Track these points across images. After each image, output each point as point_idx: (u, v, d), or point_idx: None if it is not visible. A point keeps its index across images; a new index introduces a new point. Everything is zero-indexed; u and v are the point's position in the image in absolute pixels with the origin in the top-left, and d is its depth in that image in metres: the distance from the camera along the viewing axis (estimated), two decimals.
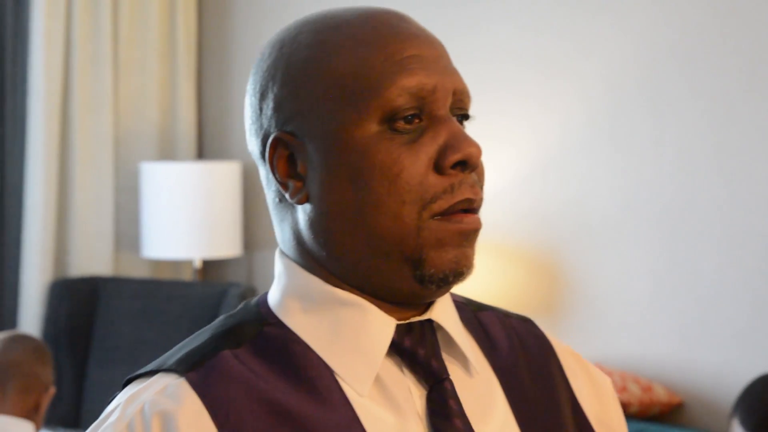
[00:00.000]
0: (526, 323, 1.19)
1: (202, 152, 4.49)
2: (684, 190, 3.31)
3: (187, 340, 1.08)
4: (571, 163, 3.52)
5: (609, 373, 3.24)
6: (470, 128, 1.09)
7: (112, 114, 4.18)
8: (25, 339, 2.75)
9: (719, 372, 3.25)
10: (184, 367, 1.03)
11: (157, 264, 4.35)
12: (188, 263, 4.33)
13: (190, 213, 4.00)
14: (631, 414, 3.19)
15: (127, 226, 4.27)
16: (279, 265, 1.10)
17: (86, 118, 4.14)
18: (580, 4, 3.49)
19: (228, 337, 1.05)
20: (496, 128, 3.60)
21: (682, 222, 3.31)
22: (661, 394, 3.25)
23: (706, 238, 3.27)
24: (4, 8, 4.08)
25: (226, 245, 4.08)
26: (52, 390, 2.70)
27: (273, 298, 1.09)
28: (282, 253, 1.10)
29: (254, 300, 1.11)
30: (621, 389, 3.17)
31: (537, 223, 3.57)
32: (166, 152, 4.37)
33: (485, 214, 1.09)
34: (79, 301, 3.97)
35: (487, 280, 3.51)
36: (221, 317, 1.10)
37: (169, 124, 4.37)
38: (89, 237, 4.14)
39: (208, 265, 4.35)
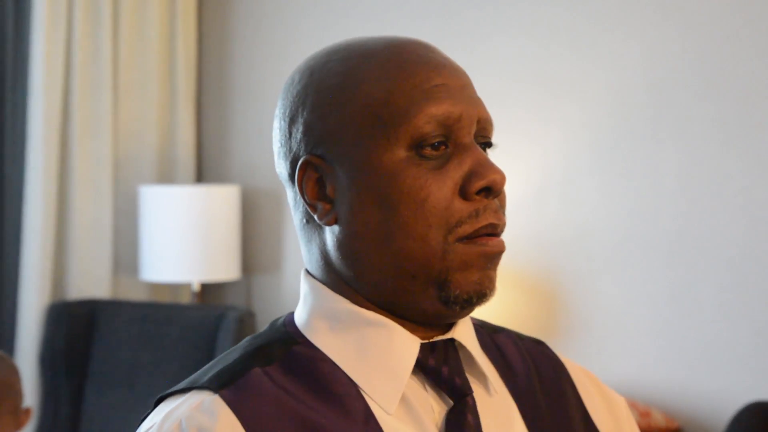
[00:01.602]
0: (540, 345, 1.22)
1: (201, 175, 4.50)
2: (685, 216, 3.32)
3: (216, 359, 1.11)
4: (572, 188, 3.53)
5: None
6: None
7: (112, 137, 4.19)
8: (5, 357, 2.70)
9: (717, 398, 3.27)
10: (217, 384, 1.05)
11: (156, 287, 4.36)
12: (187, 286, 4.34)
13: (188, 236, 4.01)
14: None
15: (125, 250, 4.28)
16: (305, 286, 1.12)
17: (86, 142, 4.15)
18: (585, 25, 3.51)
19: (258, 356, 1.07)
20: (497, 148, 3.60)
21: (682, 248, 3.33)
22: (659, 420, 3.26)
23: (706, 264, 3.28)
24: (5, 33, 4.09)
25: (224, 269, 4.09)
26: (30, 410, 2.66)
27: (300, 318, 1.12)
28: (308, 273, 1.12)
29: (280, 320, 1.13)
30: None
31: (537, 248, 3.59)
32: (165, 175, 4.38)
33: None
34: (76, 324, 3.97)
35: (487, 305, 3.52)
36: (248, 338, 1.13)
37: (168, 147, 4.39)
38: (88, 260, 4.14)
39: (207, 289, 4.36)
